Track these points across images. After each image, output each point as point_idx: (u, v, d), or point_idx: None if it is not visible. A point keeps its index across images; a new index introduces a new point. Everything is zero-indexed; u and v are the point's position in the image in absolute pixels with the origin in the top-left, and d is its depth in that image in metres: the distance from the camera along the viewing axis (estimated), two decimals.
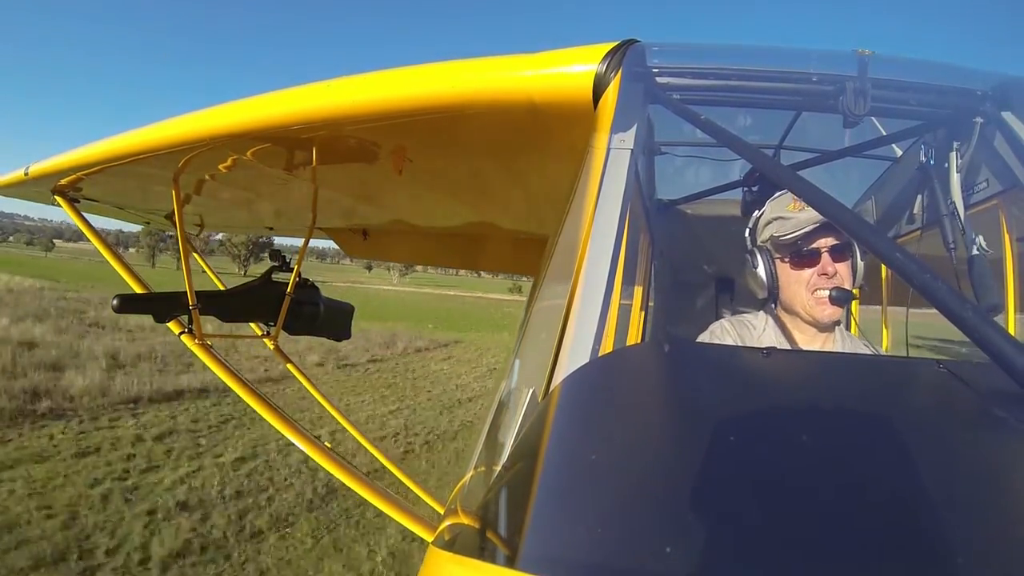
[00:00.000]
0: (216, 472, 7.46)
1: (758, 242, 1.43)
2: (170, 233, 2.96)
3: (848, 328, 1.97)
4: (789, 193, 1.35)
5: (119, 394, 10.01)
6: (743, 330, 1.45)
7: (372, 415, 11.13)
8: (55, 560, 5.11)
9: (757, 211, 1.45)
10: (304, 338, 3.23)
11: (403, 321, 26.47)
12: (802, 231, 1.28)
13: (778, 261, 1.37)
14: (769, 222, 1.38)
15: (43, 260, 64.12)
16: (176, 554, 5.49)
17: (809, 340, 1.37)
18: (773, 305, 1.44)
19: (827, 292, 1.28)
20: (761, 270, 1.37)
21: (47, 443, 7.74)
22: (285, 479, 7.49)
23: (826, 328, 1.35)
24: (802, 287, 1.32)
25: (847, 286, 1.30)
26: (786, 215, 1.32)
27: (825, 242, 1.30)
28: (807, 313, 1.33)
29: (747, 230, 1.49)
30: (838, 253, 1.30)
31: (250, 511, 6.54)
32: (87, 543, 5.47)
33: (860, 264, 1.34)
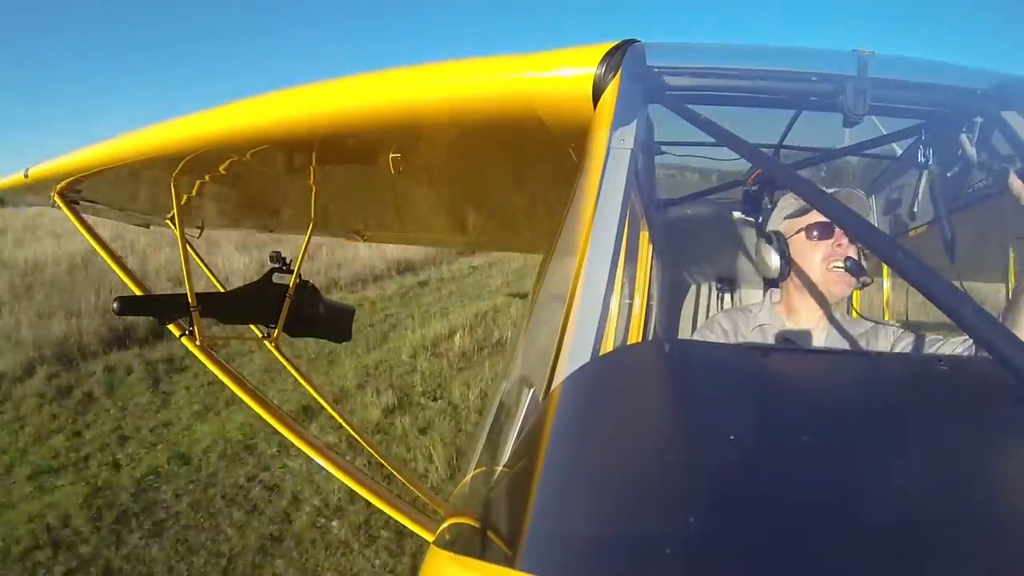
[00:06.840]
0: None
1: (769, 228, 1.45)
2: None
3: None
4: None
5: None
6: (739, 316, 1.46)
7: None
8: None
9: (769, 204, 1.49)
10: None
11: None
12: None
13: (791, 239, 1.39)
14: (783, 208, 1.41)
15: None
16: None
17: (816, 318, 1.38)
18: (778, 287, 1.45)
19: (842, 264, 1.29)
20: (774, 248, 1.38)
21: None
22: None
23: (834, 302, 1.36)
24: (817, 259, 1.33)
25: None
26: None
27: None
28: (821, 287, 1.34)
29: (758, 222, 1.53)
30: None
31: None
32: None
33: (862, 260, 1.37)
